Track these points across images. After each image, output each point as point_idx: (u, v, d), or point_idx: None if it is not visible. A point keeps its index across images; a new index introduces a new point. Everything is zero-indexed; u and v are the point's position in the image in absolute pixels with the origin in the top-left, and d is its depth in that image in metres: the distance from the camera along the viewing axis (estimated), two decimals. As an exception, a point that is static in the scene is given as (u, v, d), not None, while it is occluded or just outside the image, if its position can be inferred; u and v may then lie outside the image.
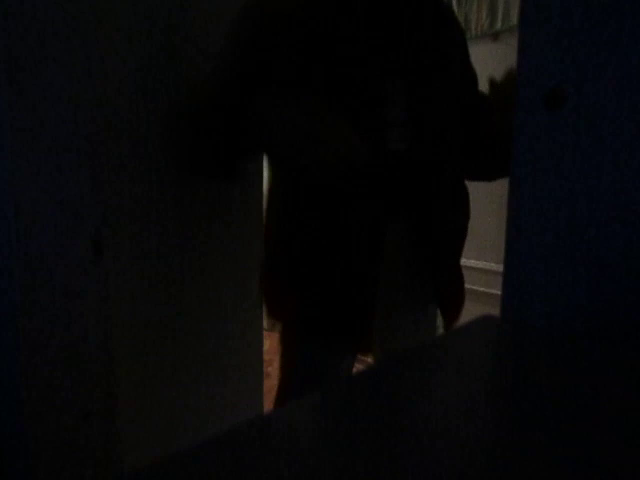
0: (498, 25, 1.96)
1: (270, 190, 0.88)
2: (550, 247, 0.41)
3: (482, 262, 2.09)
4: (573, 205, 0.40)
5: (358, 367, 1.00)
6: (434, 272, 0.86)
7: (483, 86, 0.92)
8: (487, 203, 2.06)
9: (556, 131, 0.41)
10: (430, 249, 0.84)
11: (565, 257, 0.40)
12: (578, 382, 0.29)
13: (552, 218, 0.41)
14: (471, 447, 0.22)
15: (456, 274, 0.94)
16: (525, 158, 0.46)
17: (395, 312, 0.85)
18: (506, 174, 0.97)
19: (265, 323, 1.00)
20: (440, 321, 0.95)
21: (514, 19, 1.88)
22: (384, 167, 0.76)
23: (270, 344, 1.80)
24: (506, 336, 0.39)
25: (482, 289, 2.05)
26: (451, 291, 0.90)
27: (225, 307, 0.99)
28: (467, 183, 0.99)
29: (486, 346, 0.37)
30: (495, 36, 1.98)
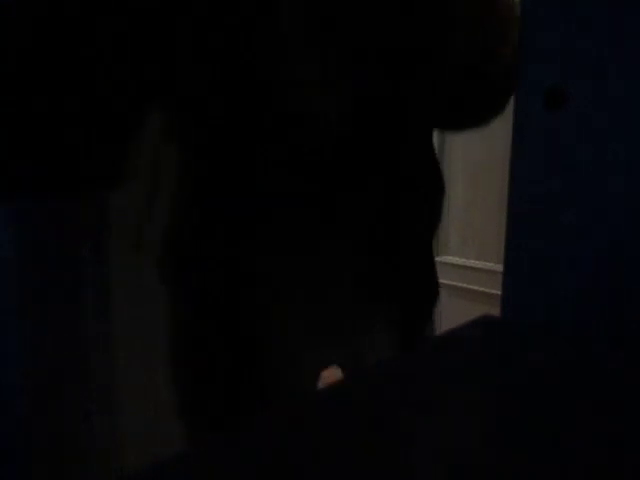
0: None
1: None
2: (551, 246, 0.41)
3: (482, 262, 2.09)
4: (574, 205, 0.40)
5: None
6: (394, 290, 0.62)
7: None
8: (487, 202, 2.06)
9: (556, 131, 0.41)
10: (386, 260, 0.59)
11: (566, 257, 0.40)
12: (579, 382, 0.29)
13: (553, 217, 0.41)
14: (472, 448, 0.22)
15: (427, 281, 0.66)
16: (525, 157, 0.46)
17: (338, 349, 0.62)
18: (478, 122, 0.68)
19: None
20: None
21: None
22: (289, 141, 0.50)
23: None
24: (506, 336, 0.39)
25: (482, 289, 2.05)
26: (418, 311, 0.67)
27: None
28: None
29: (485, 346, 0.37)
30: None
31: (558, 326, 0.40)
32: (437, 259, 2.28)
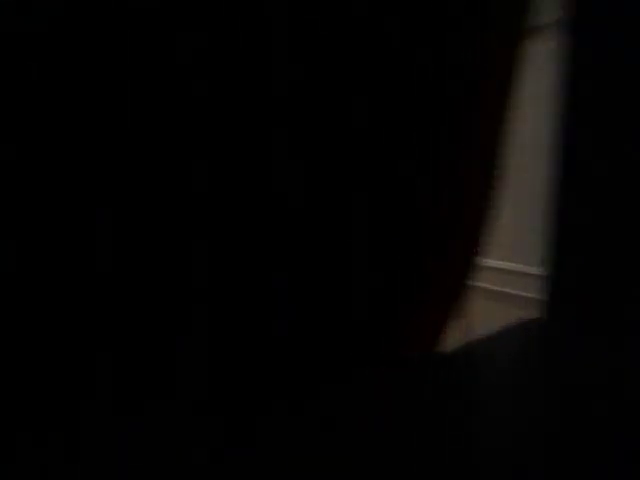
0: (536, 21, 1.90)
1: None
2: (592, 248, 0.40)
3: (511, 264, 2.05)
4: (617, 206, 0.39)
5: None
6: None
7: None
8: (516, 204, 2.01)
9: (599, 132, 0.40)
10: None
11: (608, 259, 0.39)
12: (619, 380, 0.29)
13: (595, 220, 0.40)
14: (528, 445, 0.22)
15: None
16: (565, 158, 0.45)
17: None
18: None
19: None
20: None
21: (554, 14, 1.83)
22: None
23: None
24: (551, 338, 0.39)
25: (509, 290, 2.01)
26: None
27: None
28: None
29: (531, 347, 0.37)
30: (533, 32, 1.93)
31: (597, 327, 0.39)
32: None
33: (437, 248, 0.59)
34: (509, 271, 2.04)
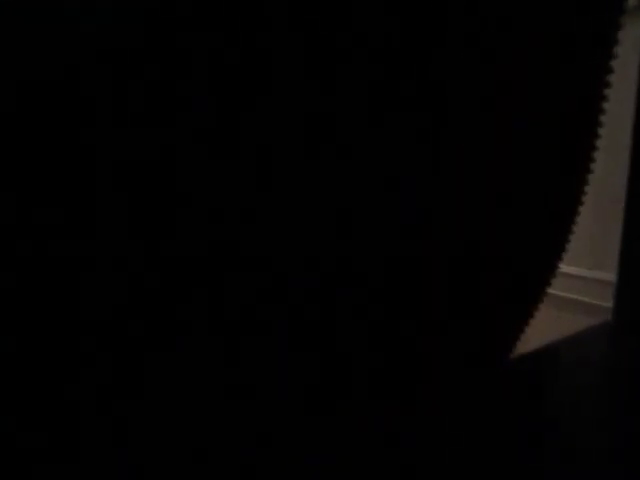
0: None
1: None
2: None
3: (571, 267, 1.94)
4: None
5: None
6: None
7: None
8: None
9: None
10: None
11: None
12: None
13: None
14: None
15: None
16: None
17: None
18: None
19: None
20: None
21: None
22: None
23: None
24: (621, 345, 0.36)
25: (568, 295, 1.91)
26: None
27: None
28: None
29: (603, 355, 0.35)
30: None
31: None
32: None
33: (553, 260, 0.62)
34: (575, 276, 1.92)
